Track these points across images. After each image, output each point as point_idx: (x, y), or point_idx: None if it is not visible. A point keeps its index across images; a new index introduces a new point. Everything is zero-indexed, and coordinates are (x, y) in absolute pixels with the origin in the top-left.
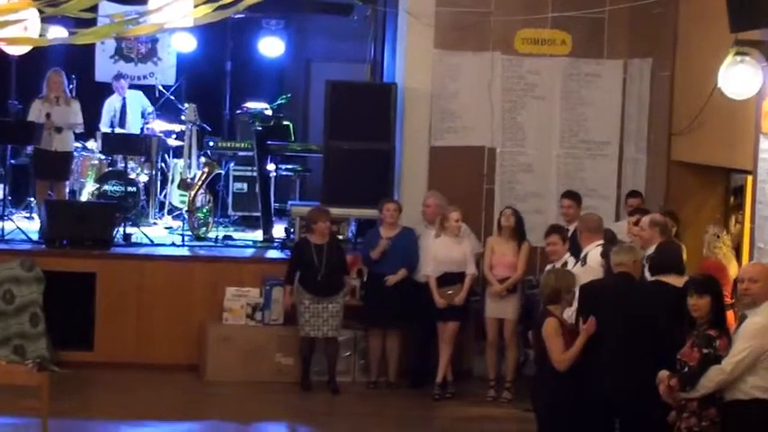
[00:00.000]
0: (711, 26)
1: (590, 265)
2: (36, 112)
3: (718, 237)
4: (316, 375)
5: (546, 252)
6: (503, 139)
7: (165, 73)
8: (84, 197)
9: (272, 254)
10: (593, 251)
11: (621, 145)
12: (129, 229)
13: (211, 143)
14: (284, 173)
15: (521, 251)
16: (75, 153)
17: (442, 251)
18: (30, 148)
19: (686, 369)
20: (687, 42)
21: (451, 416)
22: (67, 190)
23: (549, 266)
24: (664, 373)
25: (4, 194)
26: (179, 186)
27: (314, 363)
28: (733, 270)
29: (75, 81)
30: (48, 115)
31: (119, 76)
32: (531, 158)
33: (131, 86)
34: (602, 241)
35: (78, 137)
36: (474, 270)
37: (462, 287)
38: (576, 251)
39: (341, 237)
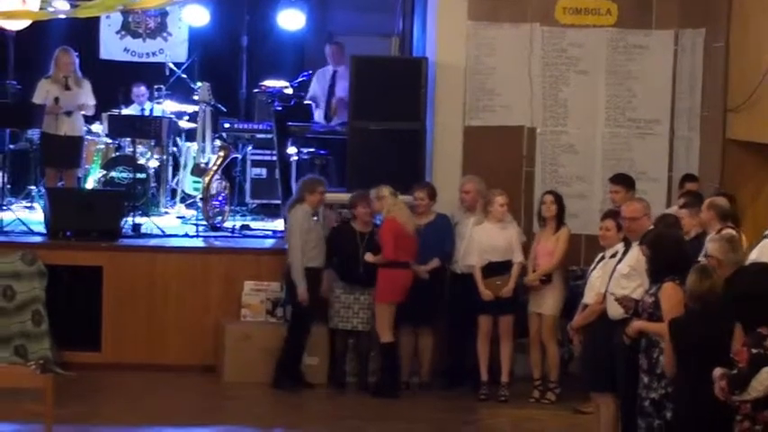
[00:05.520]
0: None
1: None
2: (43, 94)
3: None
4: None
5: (600, 236)
6: (543, 118)
7: (175, 49)
8: (90, 185)
9: None
10: None
11: (672, 123)
12: (139, 219)
13: (227, 125)
14: (306, 156)
15: (558, 238)
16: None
17: (485, 239)
18: (30, 133)
19: (735, 370)
20: (743, 11)
21: (490, 420)
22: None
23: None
24: (717, 372)
25: (3, 183)
26: (192, 172)
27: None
28: None
29: (78, 59)
30: (56, 99)
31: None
32: (575, 138)
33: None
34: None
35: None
36: (522, 257)
37: (510, 277)
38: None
39: None
